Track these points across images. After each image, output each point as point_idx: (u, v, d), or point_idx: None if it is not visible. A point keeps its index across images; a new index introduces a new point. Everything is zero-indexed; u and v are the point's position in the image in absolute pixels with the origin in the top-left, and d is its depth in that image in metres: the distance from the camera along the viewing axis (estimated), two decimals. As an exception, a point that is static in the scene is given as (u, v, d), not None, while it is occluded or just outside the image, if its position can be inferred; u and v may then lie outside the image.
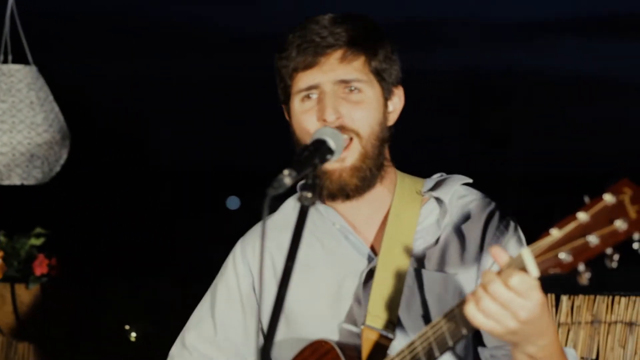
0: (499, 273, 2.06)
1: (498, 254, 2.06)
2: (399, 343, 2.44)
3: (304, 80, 2.51)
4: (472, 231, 2.53)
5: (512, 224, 2.55)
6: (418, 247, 2.53)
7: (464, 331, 2.14)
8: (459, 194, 2.58)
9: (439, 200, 2.57)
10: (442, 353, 2.20)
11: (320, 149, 2.33)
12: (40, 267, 5.66)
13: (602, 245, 1.94)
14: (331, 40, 2.49)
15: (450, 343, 2.17)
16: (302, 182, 2.29)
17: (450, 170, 2.68)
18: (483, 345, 2.52)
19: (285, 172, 2.18)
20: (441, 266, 2.51)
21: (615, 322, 4.22)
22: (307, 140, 2.44)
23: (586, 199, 1.97)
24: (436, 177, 2.65)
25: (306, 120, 2.52)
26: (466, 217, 2.55)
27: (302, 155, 2.28)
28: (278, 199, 2.38)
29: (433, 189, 2.60)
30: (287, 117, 2.62)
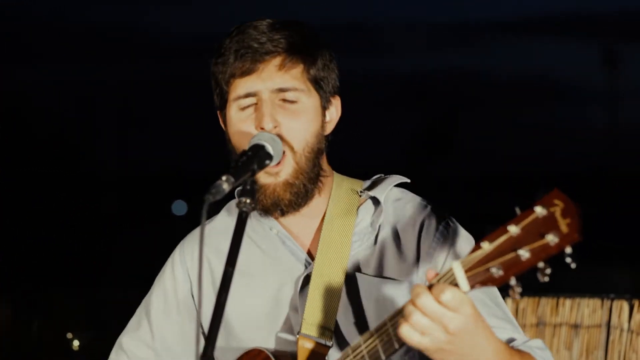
0: (430, 287, 2.03)
1: (428, 273, 2.05)
2: (336, 350, 2.43)
3: (241, 86, 2.46)
4: (408, 236, 2.52)
5: (451, 225, 2.53)
6: (355, 250, 2.52)
7: (396, 345, 2.13)
8: (395, 196, 2.56)
9: (375, 200, 2.55)
10: None
11: (259, 154, 2.30)
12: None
13: (533, 260, 1.91)
14: (270, 47, 2.44)
15: (384, 357, 2.16)
16: (240, 188, 2.25)
17: (396, 173, 2.65)
18: None
19: (223, 177, 2.15)
20: (379, 271, 2.50)
21: (561, 324, 4.23)
22: (245, 147, 2.38)
23: (517, 210, 1.94)
24: (375, 177, 2.62)
25: (244, 128, 2.46)
26: (401, 220, 2.54)
27: (240, 160, 2.25)
28: (219, 204, 2.33)
29: (369, 188, 2.57)
30: (221, 124, 2.57)
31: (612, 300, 4.15)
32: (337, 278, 2.47)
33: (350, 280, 2.49)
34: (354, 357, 2.21)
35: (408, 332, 2.04)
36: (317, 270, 2.47)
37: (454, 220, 2.54)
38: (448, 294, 1.99)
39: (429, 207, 2.54)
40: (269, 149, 2.34)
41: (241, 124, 2.48)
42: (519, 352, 2.28)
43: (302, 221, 2.55)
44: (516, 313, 4.27)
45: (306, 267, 2.51)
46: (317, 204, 2.54)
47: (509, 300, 4.22)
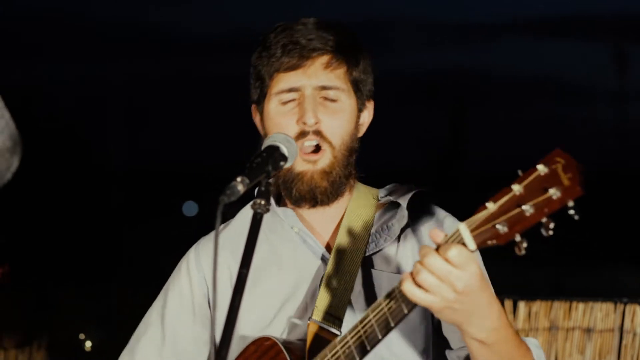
0: (437, 248, 2.08)
1: (435, 234, 2.11)
2: None
3: (285, 81, 2.50)
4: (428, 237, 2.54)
5: None
6: (371, 249, 2.55)
7: (405, 310, 2.16)
8: (414, 202, 2.59)
9: (395, 205, 2.60)
10: (384, 335, 2.22)
11: (273, 155, 2.30)
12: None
13: (537, 214, 1.96)
14: (318, 44, 2.49)
15: (392, 323, 2.18)
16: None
17: (402, 174, 2.70)
18: (450, 348, 2.53)
19: (238, 179, 2.15)
20: (397, 268, 2.53)
21: (573, 328, 4.24)
22: None
23: (519, 172, 2.00)
24: (391, 186, 2.68)
25: (284, 123, 2.50)
26: (425, 223, 2.58)
27: (254, 162, 2.25)
28: (234, 205, 2.34)
29: (390, 194, 2.62)
30: (255, 117, 2.59)
31: (625, 304, 4.15)
32: (352, 272, 2.51)
33: (366, 275, 2.53)
34: (363, 327, 2.24)
35: (411, 289, 2.08)
36: (332, 263, 2.51)
37: None
38: (453, 251, 2.04)
39: (448, 214, 2.61)
40: (284, 150, 2.35)
41: (281, 118, 2.51)
42: (519, 339, 2.33)
43: (324, 217, 2.59)
44: (529, 317, 4.28)
45: (324, 263, 2.53)
46: (341, 202, 2.58)
47: (522, 304, 4.23)
